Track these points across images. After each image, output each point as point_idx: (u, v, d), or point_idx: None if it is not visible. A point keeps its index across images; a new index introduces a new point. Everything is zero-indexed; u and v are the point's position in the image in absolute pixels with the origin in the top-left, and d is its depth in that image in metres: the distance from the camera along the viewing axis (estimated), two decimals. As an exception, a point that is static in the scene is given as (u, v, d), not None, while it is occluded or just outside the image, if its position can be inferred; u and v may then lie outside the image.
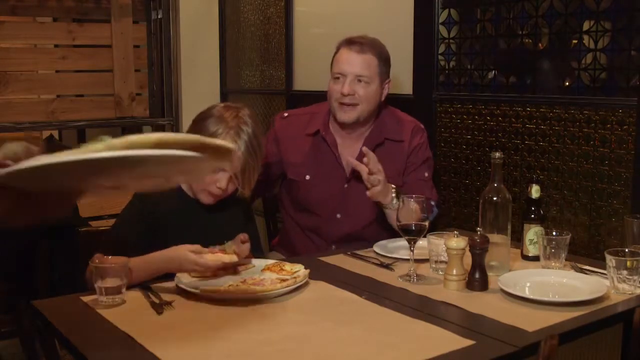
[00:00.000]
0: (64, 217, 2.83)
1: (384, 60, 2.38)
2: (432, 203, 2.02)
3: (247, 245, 1.93)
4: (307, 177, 2.40)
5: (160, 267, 1.81)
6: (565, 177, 2.36)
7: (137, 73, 4.02)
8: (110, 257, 1.71)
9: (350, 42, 2.35)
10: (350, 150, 2.41)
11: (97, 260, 1.68)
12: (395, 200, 2.21)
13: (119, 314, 1.59)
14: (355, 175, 2.31)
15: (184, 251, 1.78)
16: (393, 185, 2.24)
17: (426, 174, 2.42)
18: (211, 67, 4.18)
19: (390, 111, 2.48)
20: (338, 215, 2.39)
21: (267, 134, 2.54)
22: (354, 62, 2.32)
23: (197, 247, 1.79)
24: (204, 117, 2.02)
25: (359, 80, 2.31)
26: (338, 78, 2.34)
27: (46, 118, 3.72)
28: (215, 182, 1.97)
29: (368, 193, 2.18)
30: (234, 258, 1.84)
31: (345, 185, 2.38)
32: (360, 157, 2.36)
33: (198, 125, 2.01)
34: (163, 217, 1.97)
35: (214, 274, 1.85)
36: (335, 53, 2.39)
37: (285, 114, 2.55)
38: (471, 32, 2.70)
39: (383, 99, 2.41)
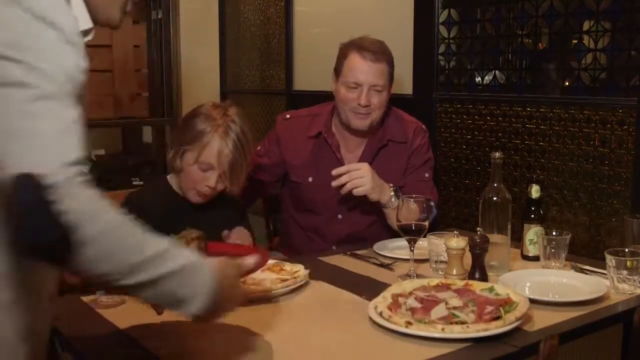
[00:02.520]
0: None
1: (392, 66, 2.36)
2: (432, 204, 2.03)
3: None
4: (310, 179, 2.40)
5: None
6: (565, 177, 2.36)
7: (137, 73, 4.03)
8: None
9: (362, 48, 2.30)
10: (353, 154, 2.41)
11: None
12: (394, 199, 2.21)
13: (119, 314, 1.58)
14: None
15: None
16: (391, 185, 2.24)
17: (426, 175, 2.42)
18: (211, 67, 4.18)
19: (393, 112, 2.47)
20: (339, 216, 2.39)
21: (269, 134, 2.55)
22: (370, 73, 2.28)
23: None
24: (192, 115, 2.03)
25: (374, 89, 2.29)
26: (353, 87, 2.30)
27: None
28: (204, 181, 1.97)
29: (356, 191, 2.19)
30: None
31: None
32: (363, 158, 2.37)
33: (186, 124, 2.01)
34: (155, 217, 1.96)
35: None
36: (344, 57, 2.34)
37: (287, 115, 2.54)
38: (471, 32, 2.70)
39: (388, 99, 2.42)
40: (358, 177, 2.18)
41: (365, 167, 2.20)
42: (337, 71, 2.37)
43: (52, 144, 1.03)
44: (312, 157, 2.42)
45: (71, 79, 1.06)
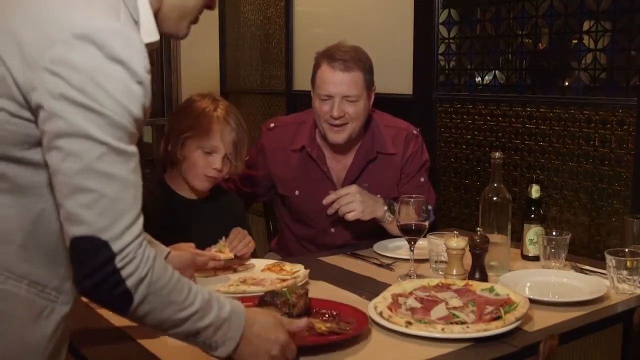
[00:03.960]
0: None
1: (369, 72, 2.26)
2: (429, 207, 1.98)
3: (245, 243, 1.93)
4: (297, 192, 2.35)
5: None
6: (565, 177, 2.36)
7: (137, 73, 4.01)
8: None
9: (332, 59, 2.20)
10: (340, 163, 2.35)
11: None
12: (388, 214, 2.18)
13: (119, 314, 1.58)
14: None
15: (183, 246, 1.78)
16: (385, 199, 2.21)
17: (422, 179, 2.37)
18: (211, 67, 4.18)
19: (380, 119, 2.39)
20: (332, 230, 2.35)
21: (256, 144, 2.47)
22: (341, 83, 2.19)
23: (191, 245, 1.79)
24: (184, 107, 2.06)
25: (347, 100, 2.21)
26: (325, 99, 2.22)
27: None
28: (211, 165, 1.97)
29: (347, 217, 2.13)
30: (229, 256, 1.84)
31: None
32: (350, 172, 2.32)
33: (180, 115, 2.03)
34: (155, 217, 1.96)
35: (214, 274, 1.85)
36: (317, 68, 2.26)
37: (272, 125, 2.45)
38: (471, 32, 2.70)
39: (370, 107, 2.33)
40: (347, 202, 2.13)
41: (352, 190, 2.14)
42: (312, 83, 2.29)
43: (116, 207, 1.05)
44: (298, 171, 2.35)
45: (136, 121, 1.06)
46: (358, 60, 2.23)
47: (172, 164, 2.05)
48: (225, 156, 1.99)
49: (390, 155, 2.34)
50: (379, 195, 2.21)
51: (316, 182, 2.30)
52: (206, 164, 1.97)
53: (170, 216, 2.01)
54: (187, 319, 1.15)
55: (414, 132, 2.41)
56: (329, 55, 2.23)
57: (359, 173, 2.32)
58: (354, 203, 2.13)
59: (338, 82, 2.20)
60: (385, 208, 2.19)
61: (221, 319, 1.19)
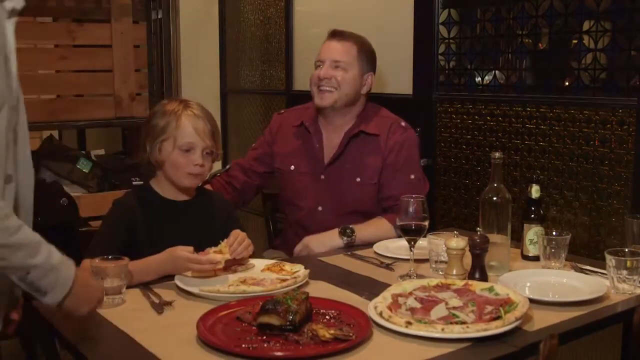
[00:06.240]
0: (64, 217, 2.79)
1: (366, 52, 2.41)
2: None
3: (245, 246, 1.92)
4: (292, 167, 2.46)
5: (158, 269, 1.81)
6: (565, 177, 2.36)
7: (137, 73, 4.02)
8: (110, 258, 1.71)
9: (333, 34, 2.43)
10: (333, 142, 2.44)
11: (96, 261, 1.68)
12: (347, 238, 2.24)
13: (119, 314, 1.59)
14: (332, 164, 2.40)
15: (178, 252, 1.78)
16: (336, 229, 2.26)
17: (412, 177, 2.37)
18: (211, 67, 4.18)
19: (374, 107, 2.49)
20: (319, 208, 2.41)
21: (265, 129, 2.63)
22: (333, 49, 2.39)
23: (190, 248, 1.79)
24: (152, 114, 2.05)
25: (337, 66, 2.36)
26: (319, 65, 2.40)
27: (46, 118, 3.71)
28: (192, 162, 1.97)
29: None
30: (226, 257, 1.84)
31: (322, 176, 2.42)
32: (339, 150, 2.41)
33: (150, 123, 2.01)
34: (145, 221, 1.96)
35: (214, 274, 1.85)
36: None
37: (282, 111, 2.66)
38: (471, 32, 2.70)
39: (364, 92, 2.43)
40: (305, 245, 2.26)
41: (305, 240, 2.27)
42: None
43: None
44: (296, 146, 2.48)
45: None
46: (355, 37, 2.42)
47: (155, 168, 2.04)
48: (204, 150, 1.99)
49: (373, 137, 2.40)
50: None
51: (309, 158, 2.43)
52: (187, 161, 1.97)
53: (160, 219, 1.99)
54: (18, 249, 1.21)
55: (402, 124, 2.45)
56: (333, 31, 2.45)
57: (342, 150, 2.40)
58: (305, 248, 2.26)
59: (331, 48, 2.40)
60: (343, 237, 2.24)
61: (50, 264, 1.26)
